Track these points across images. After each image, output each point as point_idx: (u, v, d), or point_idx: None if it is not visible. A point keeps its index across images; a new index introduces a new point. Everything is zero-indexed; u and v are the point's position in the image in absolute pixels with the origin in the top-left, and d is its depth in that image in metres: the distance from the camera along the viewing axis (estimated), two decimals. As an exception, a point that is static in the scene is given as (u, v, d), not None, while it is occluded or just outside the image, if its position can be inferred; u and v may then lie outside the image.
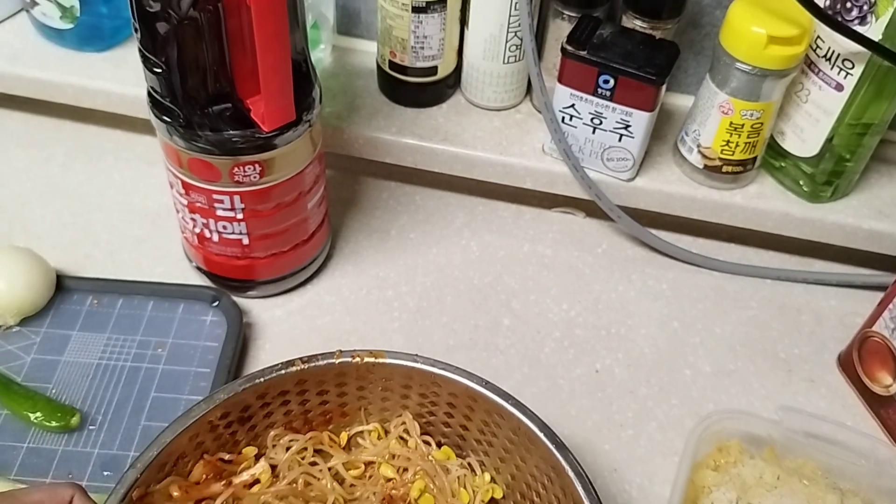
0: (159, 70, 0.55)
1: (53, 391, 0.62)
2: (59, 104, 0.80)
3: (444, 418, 0.57)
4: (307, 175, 0.63)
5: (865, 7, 0.62)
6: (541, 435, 0.51)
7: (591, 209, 0.78)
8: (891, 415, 0.65)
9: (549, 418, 0.51)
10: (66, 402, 0.61)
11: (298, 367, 0.53)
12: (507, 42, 0.72)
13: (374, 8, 0.75)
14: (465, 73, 0.77)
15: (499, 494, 0.56)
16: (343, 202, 0.78)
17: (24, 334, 0.65)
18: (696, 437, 0.58)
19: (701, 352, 0.70)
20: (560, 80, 0.69)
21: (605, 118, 0.69)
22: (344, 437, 0.57)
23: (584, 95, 0.68)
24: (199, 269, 0.70)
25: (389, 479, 0.55)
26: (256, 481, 0.54)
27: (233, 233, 0.64)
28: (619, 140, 0.70)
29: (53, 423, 0.59)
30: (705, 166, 0.72)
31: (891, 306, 0.63)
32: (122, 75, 0.77)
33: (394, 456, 0.56)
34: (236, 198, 0.61)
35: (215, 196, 0.61)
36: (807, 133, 0.70)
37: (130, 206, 0.77)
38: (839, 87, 0.66)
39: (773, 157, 0.74)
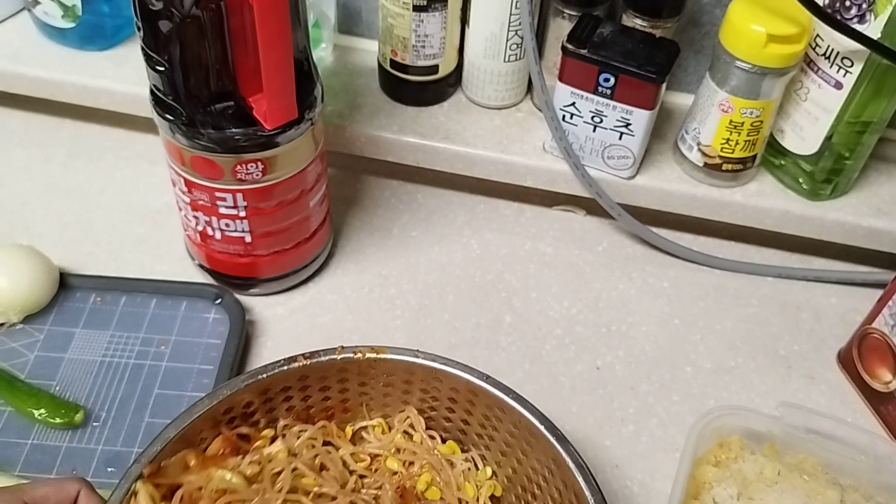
0: (162, 68, 0.55)
1: (57, 388, 0.62)
2: (60, 103, 0.80)
3: (445, 413, 0.57)
4: (309, 173, 0.64)
5: (864, 5, 0.62)
6: (541, 428, 0.51)
7: (592, 207, 0.78)
8: (890, 411, 0.65)
9: (550, 415, 0.51)
10: (70, 399, 0.62)
11: (301, 364, 0.53)
12: (507, 41, 0.72)
13: (375, 7, 0.75)
14: (465, 71, 0.77)
15: (499, 492, 0.56)
16: (345, 200, 0.78)
17: (27, 332, 0.66)
18: (696, 432, 0.58)
19: (701, 349, 0.70)
20: (561, 79, 0.69)
21: (606, 116, 0.69)
22: (349, 431, 0.58)
23: (585, 94, 0.68)
24: (201, 266, 0.70)
25: (395, 473, 0.56)
26: None
27: (235, 230, 0.64)
28: (620, 138, 0.70)
29: (57, 420, 0.60)
30: (705, 164, 0.72)
31: (890, 303, 0.64)
32: (124, 74, 0.77)
33: (399, 450, 0.57)
34: (239, 195, 0.61)
35: (218, 194, 0.61)
36: (806, 131, 0.70)
37: (132, 204, 0.77)
38: (838, 86, 0.66)
39: (773, 155, 0.74)
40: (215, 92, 0.56)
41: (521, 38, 0.72)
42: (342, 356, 0.54)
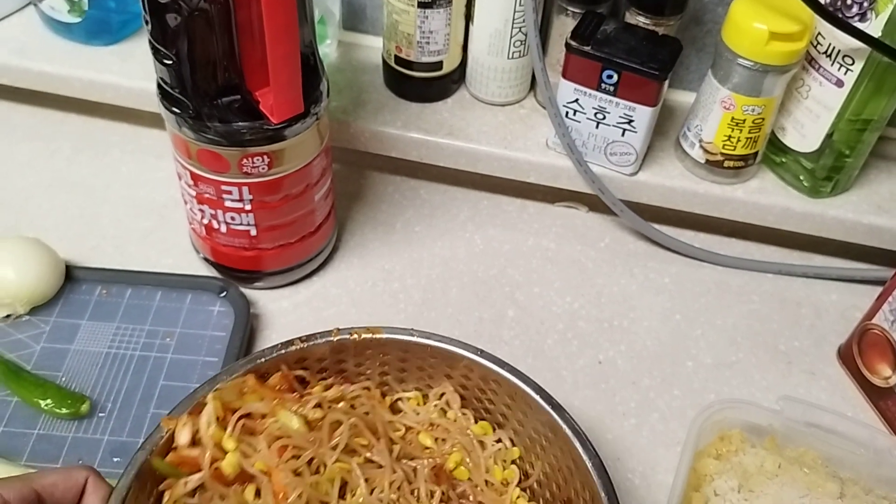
0: (169, 61, 0.56)
1: (63, 379, 0.63)
2: (66, 97, 0.80)
3: (442, 390, 0.58)
4: (314, 167, 0.64)
5: (866, 4, 0.63)
6: (537, 397, 0.53)
7: (594, 204, 0.79)
8: (890, 406, 0.66)
9: (552, 407, 0.52)
10: (76, 390, 0.62)
11: (297, 347, 0.54)
12: (511, 37, 0.73)
13: (379, 3, 0.75)
14: (469, 68, 0.77)
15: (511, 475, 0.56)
16: (349, 196, 0.79)
17: (33, 323, 0.66)
18: (698, 425, 0.59)
19: (702, 344, 0.71)
20: (564, 75, 0.69)
21: (609, 113, 0.69)
22: (388, 400, 0.58)
23: (588, 90, 0.69)
24: (206, 260, 0.70)
25: (427, 448, 0.56)
26: None
27: (241, 224, 0.65)
28: (623, 135, 0.70)
29: (64, 410, 0.60)
30: (707, 161, 0.73)
31: (890, 299, 0.64)
32: (130, 69, 0.78)
33: (433, 425, 0.57)
34: (245, 189, 0.62)
35: (224, 187, 0.62)
36: (807, 129, 0.71)
37: (137, 198, 0.78)
38: (839, 83, 0.67)
39: (774, 152, 0.74)
40: (222, 85, 0.56)
41: (525, 35, 0.73)
42: (338, 338, 0.55)
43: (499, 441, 0.57)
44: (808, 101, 0.70)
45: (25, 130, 0.84)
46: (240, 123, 0.58)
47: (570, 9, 0.71)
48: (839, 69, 0.66)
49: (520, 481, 0.56)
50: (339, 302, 0.71)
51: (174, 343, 0.66)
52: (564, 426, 0.51)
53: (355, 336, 0.55)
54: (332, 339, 0.55)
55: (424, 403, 0.58)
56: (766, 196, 0.74)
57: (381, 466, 0.52)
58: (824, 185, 0.73)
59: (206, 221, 0.66)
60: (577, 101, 0.70)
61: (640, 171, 0.74)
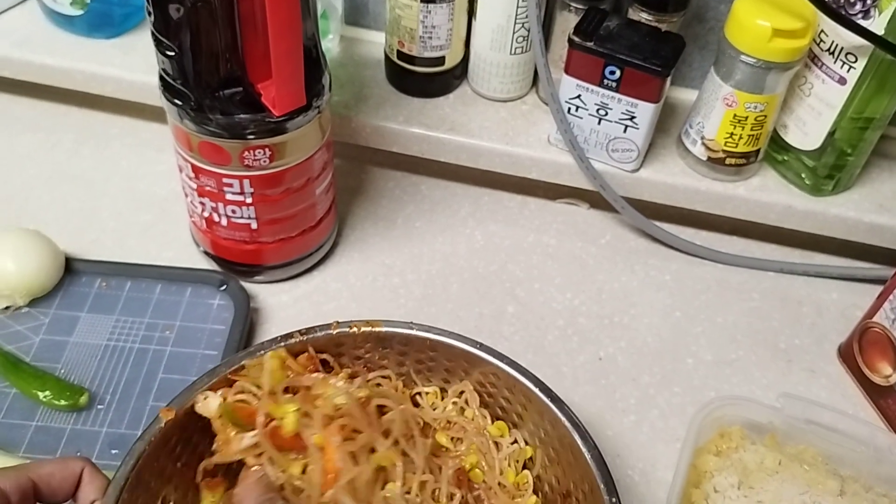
0: (172, 53, 0.56)
1: (62, 371, 0.63)
2: (67, 90, 0.80)
3: (441, 384, 0.58)
4: (316, 161, 0.64)
5: (869, 1, 0.63)
6: (536, 390, 0.53)
7: (595, 201, 0.79)
8: (890, 404, 0.65)
9: (552, 403, 0.52)
10: (75, 382, 0.62)
11: (297, 339, 0.54)
12: (514, 33, 0.73)
13: (382, -2, 0.75)
14: (472, 63, 0.77)
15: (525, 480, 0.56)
16: (350, 191, 0.79)
17: (33, 315, 0.66)
18: (698, 422, 0.59)
19: (703, 341, 0.71)
20: (567, 71, 0.69)
21: (611, 109, 0.69)
22: (407, 394, 0.58)
23: (591, 86, 0.69)
24: (206, 253, 0.70)
25: (443, 447, 0.56)
26: None
27: (241, 217, 0.64)
28: (625, 131, 0.70)
29: (62, 402, 0.60)
30: (709, 158, 0.72)
31: (891, 297, 0.64)
32: (132, 62, 0.78)
33: (449, 423, 0.57)
34: (246, 182, 0.62)
35: (225, 180, 0.62)
36: (809, 126, 0.70)
37: (138, 191, 0.78)
38: (842, 81, 0.67)
39: (776, 150, 0.74)
40: (224, 77, 0.56)
41: (528, 31, 0.72)
42: (338, 330, 0.55)
43: (514, 442, 0.57)
44: (810, 98, 0.69)
45: (26, 123, 0.83)
46: (241, 116, 0.58)
47: (573, 5, 0.71)
48: (842, 67, 0.66)
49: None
50: (339, 296, 0.71)
51: (173, 336, 0.66)
52: (563, 419, 0.51)
53: (354, 329, 0.55)
54: (331, 332, 0.55)
55: (442, 399, 0.58)
56: (767, 194, 0.73)
57: (412, 462, 0.52)
58: (826, 184, 0.73)
59: (206, 214, 0.65)
60: (579, 97, 0.70)
61: (641, 167, 0.74)
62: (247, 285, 0.69)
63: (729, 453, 0.60)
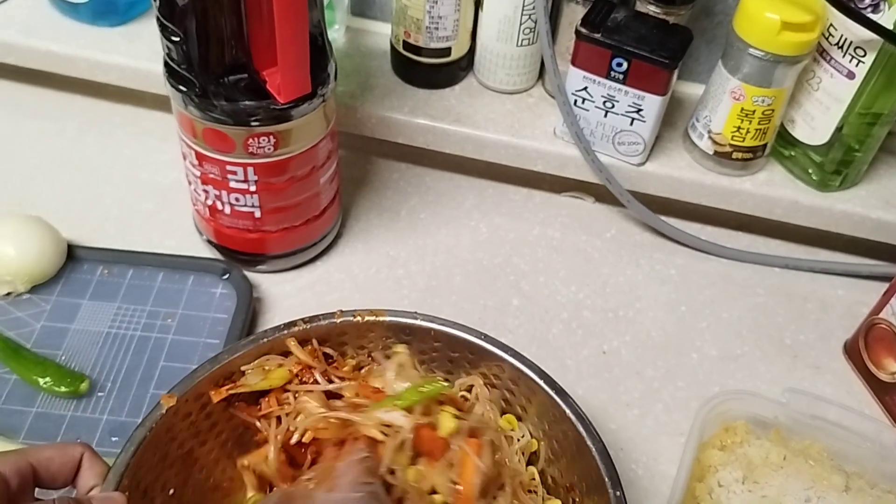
0: (177, 38, 0.55)
1: (63, 358, 0.62)
2: (71, 78, 0.80)
3: (445, 375, 0.58)
4: (320, 149, 0.64)
5: (879, -6, 0.62)
6: (541, 382, 0.52)
7: (601, 194, 0.78)
8: (895, 401, 0.65)
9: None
10: (76, 369, 0.62)
11: (300, 328, 0.54)
12: (521, 24, 0.72)
13: (388, -12, 0.75)
14: (478, 55, 0.77)
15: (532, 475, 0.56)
16: (354, 181, 0.78)
17: (34, 302, 0.66)
18: (702, 416, 0.58)
19: (708, 336, 0.70)
20: (573, 63, 0.69)
21: (618, 101, 0.69)
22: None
23: (597, 78, 0.68)
24: (209, 242, 0.70)
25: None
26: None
27: (245, 205, 0.64)
28: (631, 124, 0.70)
29: (63, 389, 0.60)
30: (715, 152, 0.72)
31: (898, 293, 0.64)
32: (136, 50, 0.77)
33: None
34: (250, 169, 0.61)
35: (229, 167, 0.61)
36: (817, 121, 0.70)
37: (141, 180, 0.77)
38: (850, 75, 0.66)
39: (783, 145, 0.74)
40: (229, 64, 0.56)
41: (535, 22, 0.72)
42: (341, 319, 0.54)
43: (523, 436, 0.56)
44: (818, 93, 0.69)
45: (30, 110, 0.83)
46: (246, 102, 0.57)
47: (581, -4, 0.70)
48: (851, 61, 0.66)
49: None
50: (342, 287, 0.71)
51: (175, 324, 0.65)
52: (569, 412, 0.51)
53: (358, 318, 0.55)
54: (335, 321, 0.55)
55: None
56: (774, 189, 0.73)
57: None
58: (833, 179, 0.72)
59: (210, 202, 0.65)
60: (585, 88, 0.69)
61: (647, 161, 0.73)
62: (250, 274, 0.69)
63: (733, 448, 0.59)
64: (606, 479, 0.48)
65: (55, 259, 0.66)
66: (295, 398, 0.53)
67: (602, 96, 0.69)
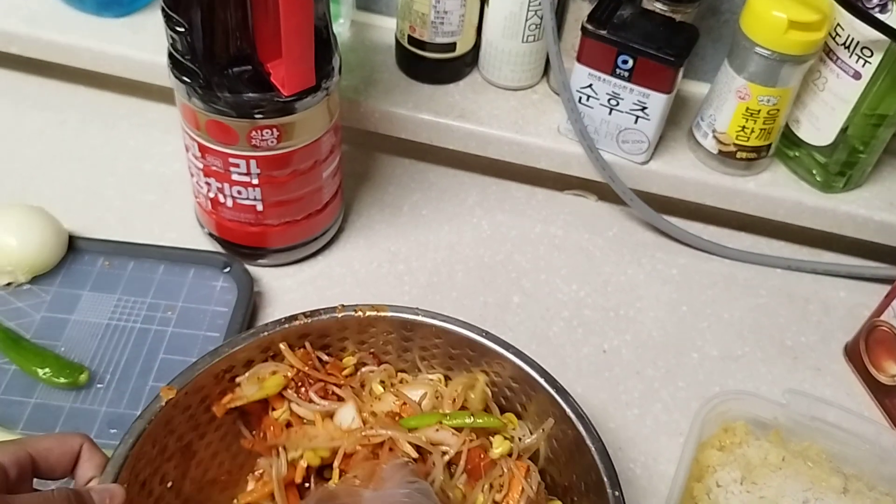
0: (182, 29, 0.55)
1: (62, 349, 0.62)
2: (75, 68, 0.80)
3: (445, 372, 0.58)
4: (323, 144, 0.64)
5: (887, -5, 0.62)
6: (542, 381, 0.52)
7: (604, 193, 0.78)
8: (895, 404, 0.65)
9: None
10: (75, 361, 0.61)
11: (301, 322, 0.54)
12: (526, 20, 0.72)
13: (394, -18, 0.75)
14: (483, 51, 0.77)
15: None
16: (357, 177, 0.78)
17: (34, 292, 0.66)
18: (702, 416, 0.58)
19: (708, 336, 0.70)
20: (579, 60, 0.69)
21: (623, 99, 0.69)
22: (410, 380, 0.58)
23: (603, 75, 0.68)
24: (210, 235, 0.70)
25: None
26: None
27: (247, 198, 0.64)
28: (636, 122, 0.70)
29: (62, 380, 0.60)
30: (720, 152, 0.72)
31: (900, 296, 0.64)
32: (141, 41, 0.77)
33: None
34: (252, 162, 0.61)
35: (231, 160, 0.61)
36: (822, 121, 0.70)
37: (143, 171, 0.77)
38: (857, 76, 0.66)
39: (788, 146, 0.74)
40: (234, 55, 0.56)
41: (541, 19, 0.72)
42: (343, 314, 0.54)
43: (524, 436, 0.56)
44: (824, 93, 0.69)
45: (34, 100, 0.83)
46: (250, 94, 0.57)
47: (587, -7, 0.70)
48: (857, 61, 0.65)
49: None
50: (343, 282, 0.71)
51: (175, 317, 0.65)
52: (569, 410, 0.51)
53: (360, 313, 0.55)
54: (336, 315, 0.55)
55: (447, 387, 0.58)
56: (777, 189, 0.73)
57: None
58: (837, 181, 0.72)
59: (212, 195, 0.65)
60: (590, 86, 0.69)
61: (651, 160, 0.73)
62: (250, 268, 0.68)
63: (732, 448, 0.59)
64: (605, 480, 0.48)
65: (56, 250, 0.66)
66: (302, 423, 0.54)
67: (607, 94, 0.69)
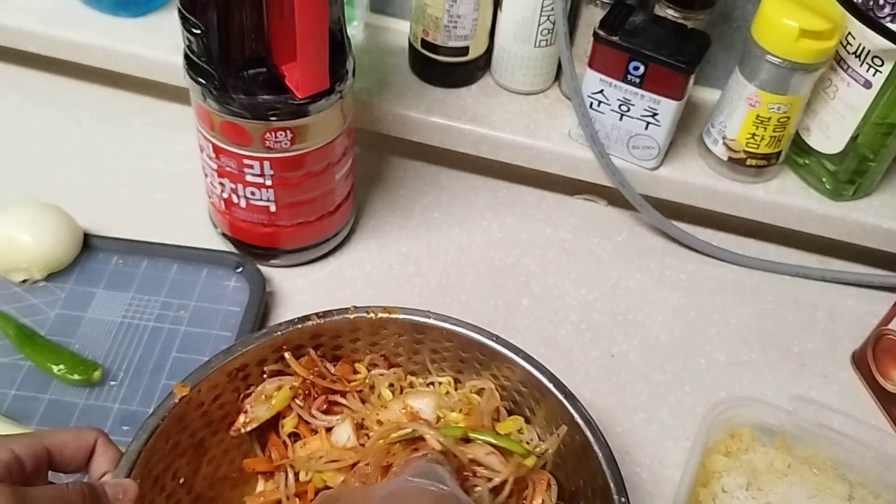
0: (198, 31, 0.56)
1: (76, 346, 0.63)
2: (90, 68, 0.80)
3: (455, 375, 0.58)
4: (336, 146, 0.64)
5: (899, 5, 0.62)
6: (551, 386, 0.53)
7: (614, 198, 0.79)
8: (903, 412, 0.65)
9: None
10: (89, 358, 0.62)
11: (314, 322, 0.54)
12: (539, 25, 0.72)
13: (408, -14, 0.75)
14: (495, 55, 0.77)
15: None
16: (369, 179, 0.79)
17: (49, 289, 0.66)
18: (708, 422, 0.59)
19: (716, 342, 0.70)
20: (590, 65, 0.69)
21: (633, 105, 0.69)
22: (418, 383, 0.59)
23: (614, 81, 0.69)
24: (224, 235, 0.70)
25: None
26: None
27: (260, 199, 0.65)
28: (646, 128, 0.70)
29: (76, 376, 0.60)
30: (730, 158, 0.72)
31: (908, 304, 0.64)
32: (156, 40, 0.78)
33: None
34: (266, 164, 0.62)
35: (245, 161, 0.62)
36: (832, 130, 0.70)
37: (157, 171, 0.78)
38: (867, 85, 0.66)
39: (797, 153, 0.74)
40: (249, 57, 0.57)
41: (553, 24, 0.72)
42: (355, 315, 0.55)
43: (532, 439, 0.56)
44: (834, 101, 0.69)
45: (49, 98, 0.84)
46: (265, 97, 0.58)
47: (600, -1, 0.71)
48: (868, 70, 0.66)
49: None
50: (354, 283, 0.71)
51: (188, 316, 0.66)
52: (577, 416, 0.51)
53: (372, 315, 0.55)
54: (348, 316, 0.55)
55: (457, 390, 0.58)
56: (787, 196, 0.73)
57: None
58: (846, 189, 0.72)
59: (225, 195, 0.66)
60: (602, 91, 0.70)
61: (661, 166, 0.74)
62: (263, 268, 0.69)
63: (738, 454, 0.60)
64: (612, 486, 0.48)
65: (71, 247, 0.67)
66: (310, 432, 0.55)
67: (618, 99, 0.70)
